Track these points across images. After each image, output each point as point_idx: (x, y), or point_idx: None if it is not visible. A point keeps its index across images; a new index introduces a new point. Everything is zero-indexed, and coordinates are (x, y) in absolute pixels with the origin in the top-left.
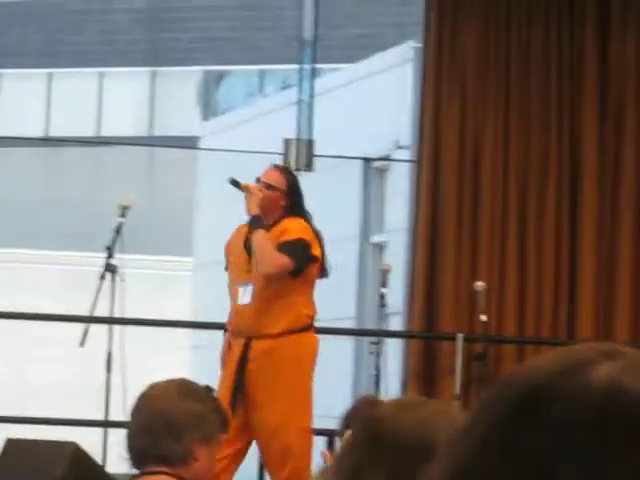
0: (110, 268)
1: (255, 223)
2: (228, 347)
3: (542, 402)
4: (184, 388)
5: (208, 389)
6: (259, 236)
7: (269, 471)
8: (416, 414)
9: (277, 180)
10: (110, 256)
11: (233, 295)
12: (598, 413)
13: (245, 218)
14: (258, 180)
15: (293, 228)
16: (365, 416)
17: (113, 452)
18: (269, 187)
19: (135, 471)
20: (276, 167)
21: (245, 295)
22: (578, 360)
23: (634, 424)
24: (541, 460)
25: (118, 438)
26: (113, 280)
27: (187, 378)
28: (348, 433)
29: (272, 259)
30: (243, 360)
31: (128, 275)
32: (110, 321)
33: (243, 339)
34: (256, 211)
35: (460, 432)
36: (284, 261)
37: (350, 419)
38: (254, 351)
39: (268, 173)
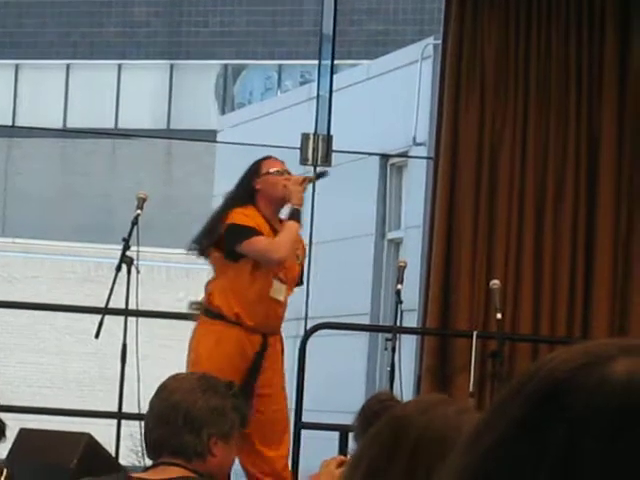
0: (126, 260)
1: (297, 215)
2: (237, 340)
3: (561, 397)
4: (205, 383)
5: (230, 385)
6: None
7: (269, 447)
8: (438, 412)
9: None
10: (127, 248)
11: (266, 287)
12: (617, 408)
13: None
14: (320, 174)
15: None
16: (388, 414)
17: (126, 444)
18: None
19: (149, 462)
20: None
21: (283, 290)
22: (597, 355)
23: None
24: (561, 455)
25: (131, 430)
26: (129, 272)
27: (207, 373)
28: (370, 430)
29: (284, 248)
30: (261, 355)
31: (144, 267)
32: (125, 313)
33: (260, 334)
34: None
35: (478, 428)
36: None
37: (367, 417)
38: (273, 347)
39: (283, 164)
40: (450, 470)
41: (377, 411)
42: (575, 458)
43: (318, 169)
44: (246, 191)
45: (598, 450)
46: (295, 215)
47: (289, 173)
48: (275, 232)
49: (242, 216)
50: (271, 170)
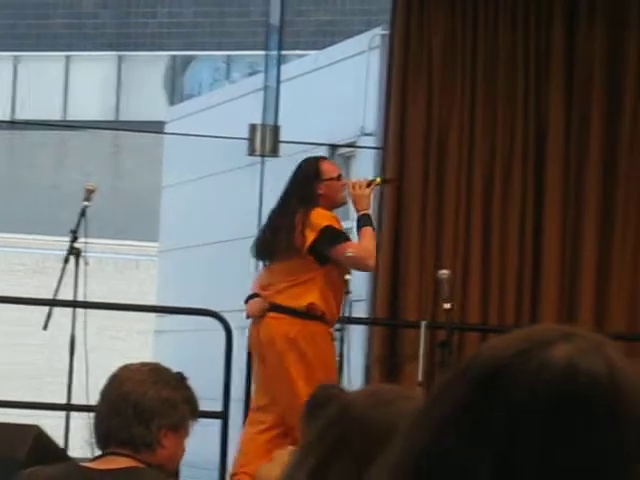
0: (74, 252)
1: (369, 220)
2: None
3: (502, 383)
4: (157, 374)
5: (180, 376)
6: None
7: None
8: (384, 402)
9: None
10: (74, 240)
11: (342, 285)
12: (554, 395)
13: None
14: (386, 180)
15: None
16: (338, 406)
17: (75, 436)
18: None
19: (98, 453)
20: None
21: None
22: (536, 341)
23: (589, 406)
24: (500, 443)
25: (80, 422)
26: (77, 264)
27: (159, 364)
28: (318, 423)
29: (370, 258)
30: None
31: (93, 259)
32: (74, 305)
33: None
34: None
35: (420, 414)
36: None
37: (311, 408)
38: None
39: (336, 166)
40: (395, 453)
41: (321, 402)
42: (516, 441)
43: (387, 176)
44: (310, 194)
45: (537, 433)
46: (367, 221)
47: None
48: None
49: (331, 218)
50: (334, 175)
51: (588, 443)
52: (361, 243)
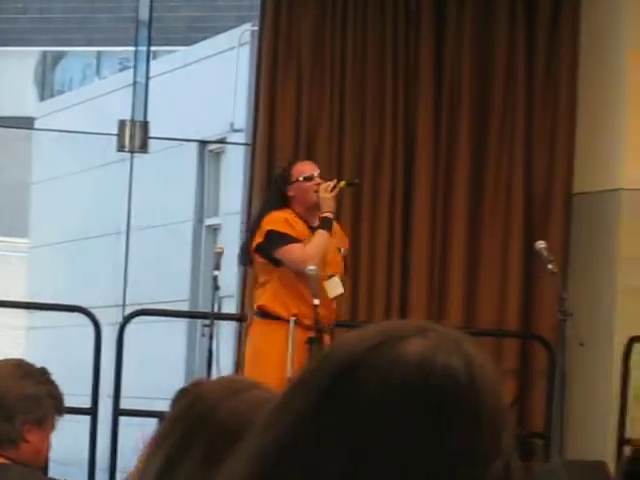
0: None
1: (327, 223)
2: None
3: (356, 378)
4: (20, 369)
5: (44, 371)
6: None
7: None
8: (235, 391)
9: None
10: None
11: (306, 283)
12: (407, 391)
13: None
14: (351, 182)
15: None
16: (186, 398)
17: None
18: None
19: None
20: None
21: (338, 286)
22: (391, 335)
23: (444, 404)
24: (355, 442)
25: None
26: None
27: (23, 359)
28: (170, 415)
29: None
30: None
31: None
32: None
33: (313, 331)
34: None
35: (274, 409)
36: None
37: (174, 401)
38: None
39: (312, 165)
40: (247, 449)
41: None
42: (369, 439)
43: (352, 178)
44: (279, 197)
45: (390, 431)
46: (326, 223)
47: (320, 176)
48: (313, 231)
49: (280, 222)
50: (300, 178)
51: (443, 442)
52: (308, 245)
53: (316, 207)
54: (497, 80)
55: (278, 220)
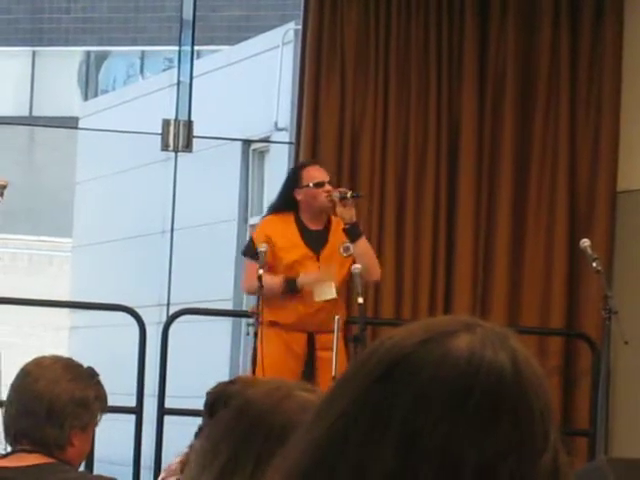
0: None
1: (357, 230)
2: (274, 338)
3: (404, 372)
4: (69, 372)
5: (92, 373)
6: (366, 243)
7: None
8: (281, 397)
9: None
10: None
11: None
12: (458, 384)
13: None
14: (355, 196)
15: None
16: (233, 405)
17: None
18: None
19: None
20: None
21: (328, 292)
22: (439, 330)
23: (493, 399)
24: (404, 427)
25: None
26: None
27: (72, 359)
28: (220, 424)
29: (377, 267)
30: (310, 352)
31: (7, 255)
32: None
33: (305, 333)
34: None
35: (323, 404)
36: None
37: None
38: (321, 344)
39: (323, 172)
40: (297, 443)
41: (219, 399)
42: (419, 429)
43: (356, 191)
44: (287, 200)
45: (439, 425)
46: (355, 231)
47: (330, 182)
48: (309, 238)
49: (265, 229)
50: (311, 184)
51: (491, 436)
52: (269, 275)
53: (322, 212)
54: (540, 80)
55: (261, 228)
